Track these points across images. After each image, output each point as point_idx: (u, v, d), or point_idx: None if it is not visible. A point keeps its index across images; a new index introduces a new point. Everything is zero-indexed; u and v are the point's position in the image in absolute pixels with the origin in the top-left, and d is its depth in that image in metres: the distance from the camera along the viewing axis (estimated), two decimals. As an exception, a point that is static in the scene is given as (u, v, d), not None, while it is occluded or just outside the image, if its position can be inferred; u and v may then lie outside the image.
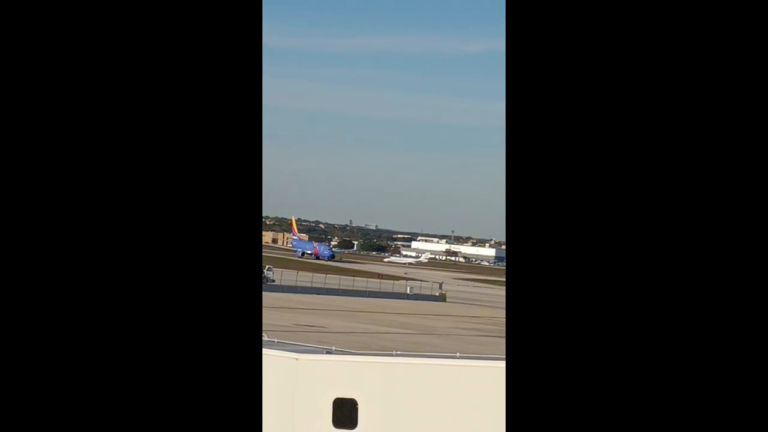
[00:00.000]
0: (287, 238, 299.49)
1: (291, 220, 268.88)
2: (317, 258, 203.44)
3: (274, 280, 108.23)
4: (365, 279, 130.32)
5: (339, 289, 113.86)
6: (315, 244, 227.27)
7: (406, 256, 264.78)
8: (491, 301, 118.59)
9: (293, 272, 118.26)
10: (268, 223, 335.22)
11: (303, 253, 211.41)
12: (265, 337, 19.83)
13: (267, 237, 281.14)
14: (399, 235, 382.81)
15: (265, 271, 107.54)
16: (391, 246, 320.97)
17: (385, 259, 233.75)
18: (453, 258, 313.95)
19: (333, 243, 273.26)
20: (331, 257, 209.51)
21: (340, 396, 17.85)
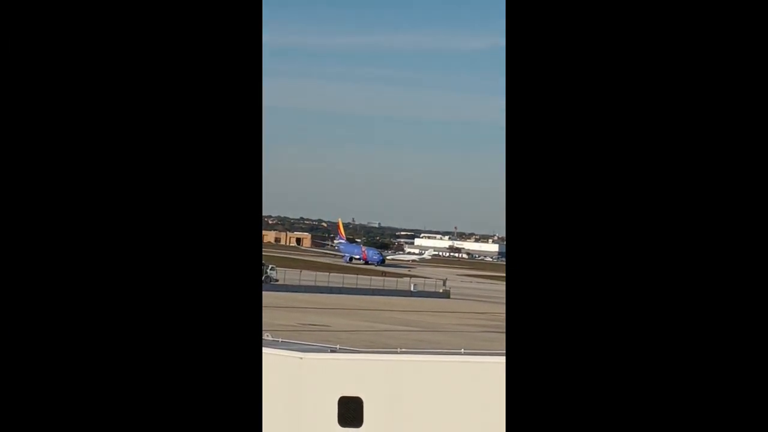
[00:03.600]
0: (290, 238, 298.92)
1: (338, 222, 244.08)
2: (366, 263, 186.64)
3: (277, 280, 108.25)
4: (369, 277, 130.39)
5: (342, 287, 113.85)
6: (363, 248, 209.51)
7: (409, 253, 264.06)
8: (495, 297, 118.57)
9: (296, 271, 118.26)
10: (270, 222, 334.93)
11: (351, 258, 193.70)
12: (269, 337, 19.83)
13: (270, 236, 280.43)
14: (402, 232, 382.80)
15: (268, 270, 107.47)
16: (394, 243, 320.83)
17: (387, 257, 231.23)
18: (456, 254, 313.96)
19: (336, 241, 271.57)
20: (381, 262, 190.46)
21: (346, 394, 17.84)
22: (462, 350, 20.27)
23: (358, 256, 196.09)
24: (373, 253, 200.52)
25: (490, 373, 17.48)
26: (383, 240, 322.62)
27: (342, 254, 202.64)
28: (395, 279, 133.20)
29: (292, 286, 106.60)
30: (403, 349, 21.49)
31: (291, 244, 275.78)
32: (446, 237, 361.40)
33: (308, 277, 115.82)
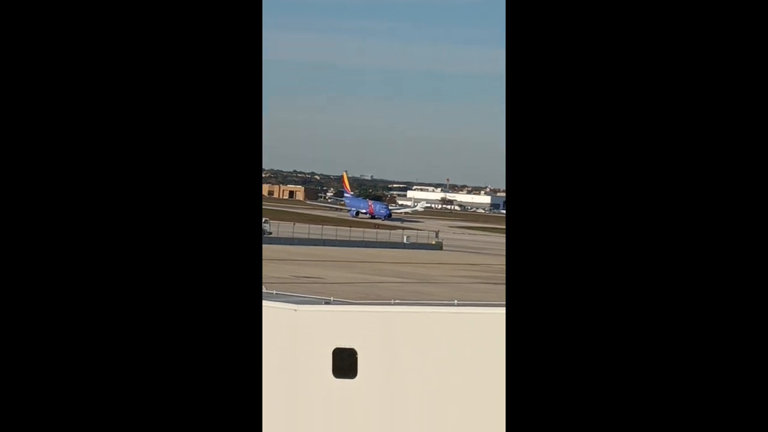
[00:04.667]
0: (284, 191, 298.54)
1: (343, 175, 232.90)
2: (372, 217, 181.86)
3: (271, 233, 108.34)
4: (362, 229, 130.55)
5: (336, 239, 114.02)
6: (370, 203, 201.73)
7: (402, 205, 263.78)
8: (487, 248, 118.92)
9: (290, 224, 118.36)
10: (263, 175, 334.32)
11: (357, 213, 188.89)
12: (264, 289, 19.92)
13: (263, 189, 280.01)
14: (394, 185, 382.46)
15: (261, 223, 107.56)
16: (386, 195, 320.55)
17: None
18: (448, 206, 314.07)
19: (329, 194, 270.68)
20: (388, 216, 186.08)
21: (340, 346, 17.96)
22: (455, 301, 20.34)
23: (364, 211, 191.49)
24: (380, 207, 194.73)
25: (483, 324, 17.60)
26: (375, 192, 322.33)
27: (348, 209, 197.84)
28: (388, 231, 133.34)
29: (286, 238, 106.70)
30: (397, 301, 21.59)
31: (284, 197, 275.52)
32: (438, 189, 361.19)
33: (302, 229, 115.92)
